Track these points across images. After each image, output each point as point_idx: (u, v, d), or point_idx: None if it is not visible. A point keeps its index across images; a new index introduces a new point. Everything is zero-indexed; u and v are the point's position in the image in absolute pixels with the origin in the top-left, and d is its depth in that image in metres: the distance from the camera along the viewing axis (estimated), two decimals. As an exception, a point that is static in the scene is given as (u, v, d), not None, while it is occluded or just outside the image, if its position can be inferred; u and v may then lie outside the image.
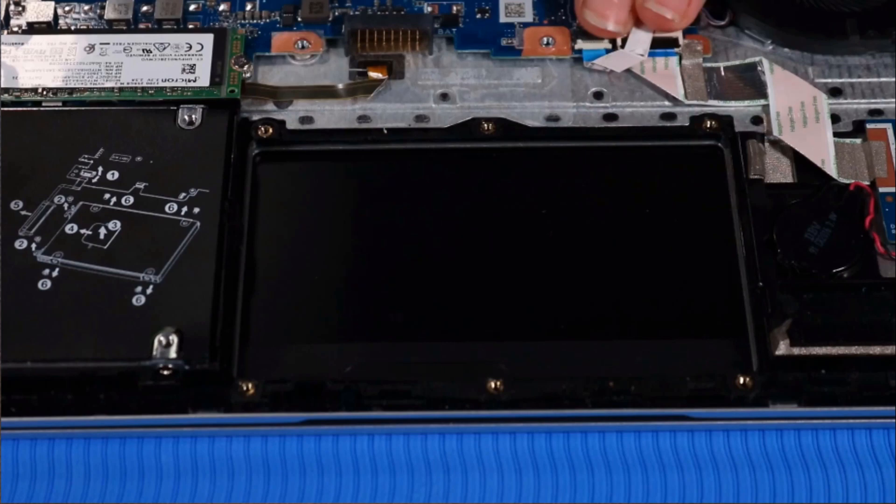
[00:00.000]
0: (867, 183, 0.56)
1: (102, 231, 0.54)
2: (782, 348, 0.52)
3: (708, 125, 0.58)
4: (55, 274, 0.53)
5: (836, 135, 0.58)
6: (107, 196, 0.55)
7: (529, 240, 0.55)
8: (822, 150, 0.57)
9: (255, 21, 0.62)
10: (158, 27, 0.61)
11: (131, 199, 0.55)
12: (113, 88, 0.59)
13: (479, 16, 0.62)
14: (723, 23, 0.62)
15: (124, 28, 0.61)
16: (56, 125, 0.57)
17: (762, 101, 0.59)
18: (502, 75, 0.60)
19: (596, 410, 0.52)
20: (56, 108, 0.58)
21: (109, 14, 0.62)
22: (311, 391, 0.52)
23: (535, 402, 0.52)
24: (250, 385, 0.52)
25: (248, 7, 0.62)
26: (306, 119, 0.59)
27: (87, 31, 0.61)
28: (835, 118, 0.59)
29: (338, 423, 0.52)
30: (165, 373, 0.51)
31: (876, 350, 0.52)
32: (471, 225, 0.56)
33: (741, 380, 0.52)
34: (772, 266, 0.54)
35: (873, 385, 0.52)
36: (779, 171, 0.57)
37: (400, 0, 0.62)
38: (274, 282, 0.55)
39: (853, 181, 0.56)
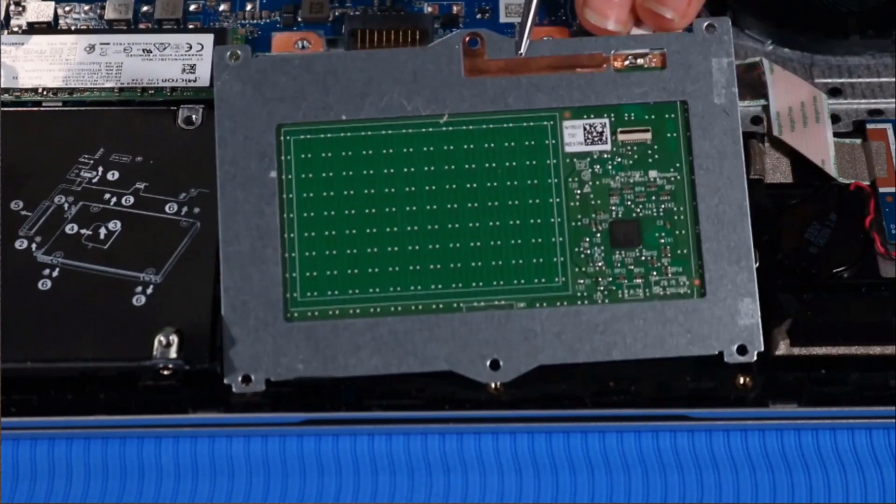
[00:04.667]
0: (867, 183, 0.56)
1: (102, 231, 0.54)
2: (782, 348, 0.52)
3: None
4: (55, 274, 0.53)
5: (836, 135, 0.58)
6: (107, 196, 0.55)
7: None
8: (822, 150, 0.57)
9: (255, 21, 0.62)
10: (158, 27, 0.61)
11: (131, 199, 0.55)
12: (113, 88, 0.59)
13: (479, 16, 0.62)
14: (723, 23, 0.62)
15: (124, 28, 0.61)
16: (56, 125, 0.57)
17: (762, 101, 0.59)
18: (502, 75, 0.60)
19: (596, 410, 0.52)
20: (56, 108, 0.58)
21: (109, 14, 0.62)
22: (311, 391, 0.52)
23: (535, 402, 0.52)
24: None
25: (248, 7, 0.62)
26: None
27: (87, 31, 0.61)
28: (835, 118, 0.59)
29: (338, 423, 0.52)
30: (165, 373, 0.51)
31: (876, 350, 0.52)
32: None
33: (741, 380, 0.52)
34: (772, 266, 0.54)
35: (873, 385, 0.52)
36: (779, 171, 0.57)
37: (400, 0, 0.63)
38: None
39: (853, 181, 0.56)
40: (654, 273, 0.52)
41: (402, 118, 0.54)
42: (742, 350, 0.51)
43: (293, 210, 0.53)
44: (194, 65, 0.59)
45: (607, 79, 0.54)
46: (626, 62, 0.54)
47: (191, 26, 0.61)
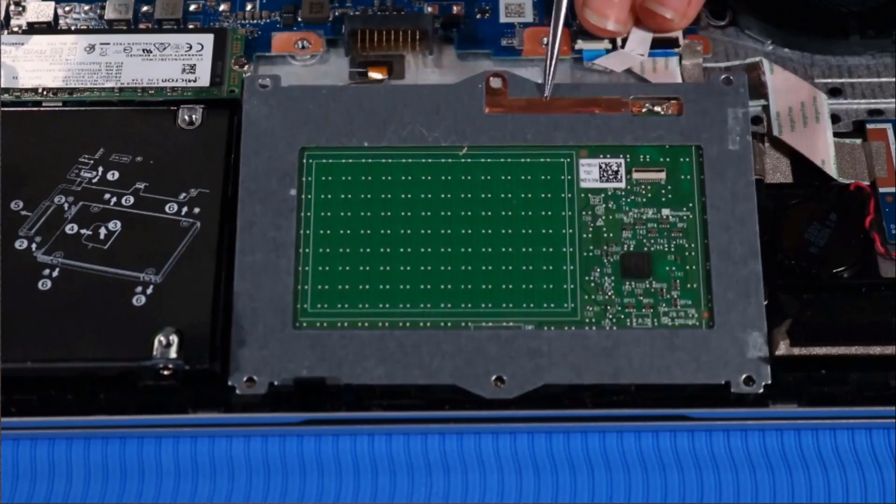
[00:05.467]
0: (867, 183, 0.56)
1: (102, 231, 0.54)
2: (782, 348, 0.52)
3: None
4: (55, 274, 0.53)
5: (836, 135, 0.58)
6: (107, 196, 0.55)
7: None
8: (822, 150, 0.57)
9: (255, 21, 0.62)
10: (158, 27, 0.61)
11: (131, 199, 0.55)
12: (113, 88, 0.59)
13: (479, 16, 0.62)
14: (723, 23, 0.62)
15: (124, 28, 0.61)
16: (56, 125, 0.57)
17: (762, 102, 0.59)
18: (502, 75, 0.60)
19: (596, 410, 0.52)
20: (56, 108, 0.58)
21: (109, 14, 0.62)
22: (311, 391, 0.52)
23: (535, 402, 0.52)
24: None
25: (249, 7, 0.62)
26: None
27: (87, 31, 0.61)
28: (835, 118, 0.59)
29: (338, 423, 0.52)
30: (165, 373, 0.51)
31: (876, 350, 0.52)
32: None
33: (746, 383, 0.52)
34: (772, 266, 0.54)
35: (873, 385, 0.52)
36: (779, 171, 0.57)
37: (400, 0, 0.63)
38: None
39: (853, 181, 0.56)
40: (664, 304, 0.53)
41: (423, 147, 0.55)
42: (749, 381, 0.51)
43: (310, 227, 0.54)
44: (194, 65, 0.59)
45: (624, 121, 0.55)
46: (644, 109, 0.56)
47: (191, 26, 0.61)
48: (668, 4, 0.58)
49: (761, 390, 0.51)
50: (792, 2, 0.61)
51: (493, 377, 0.52)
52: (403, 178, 0.55)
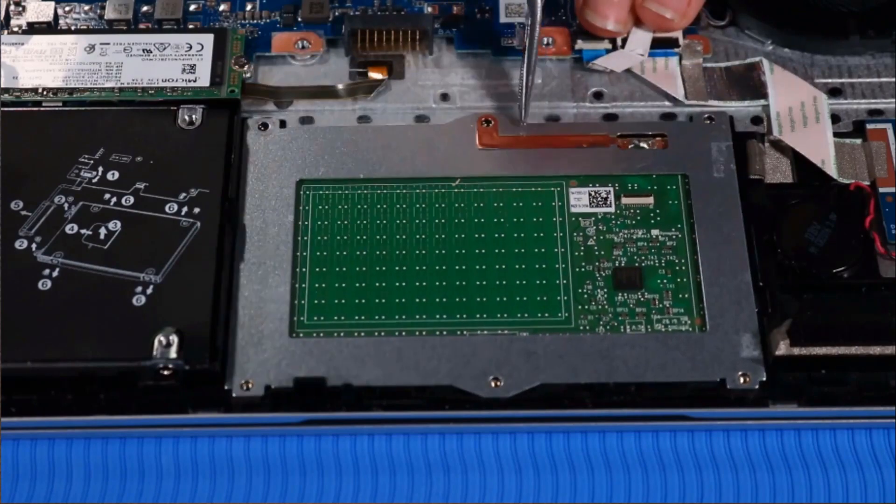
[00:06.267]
0: (867, 183, 0.56)
1: (102, 231, 0.54)
2: (782, 348, 0.52)
3: (708, 126, 0.59)
4: (55, 274, 0.53)
5: (836, 135, 0.58)
6: (107, 196, 0.55)
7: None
8: (822, 150, 0.57)
9: (255, 21, 0.62)
10: (158, 27, 0.61)
11: (131, 199, 0.55)
12: (113, 88, 0.59)
13: (479, 16, 0.62)
14: (723, 23, 0.62)
15: (124, 28, 0.61)
16: (56, 125, 0.57)
17: (762, 101, 0.59)
18: (502, 75, 0.60)
19: (596, 410, 0.52)
20: (56, 108, 0.58)
21: (109, 14, 0.62)
22: (311, 391, 0.52)
23: (535, 402, 0.52)
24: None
25: (249, 7, 0.62)
26: (306, 119, 0.59)
27: (87, 31, 0.61)
28: (835, 118, 0.59)
29: (338, 423, 0.52)
30: (165, 373, 0.51)
31: (876, 350, 0.52)
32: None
33: (741, 380, 0.52)
34: (772, 266, 0.54)
35: (873, 385, 0.52)
36: (779, 171, 0.57)
37: (400, 0, 0.63)
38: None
39: (853, 181, 0.56)
40: (656, 313, 0.53)
41: (417, 179, 0.56)
42: (744, 378, 0.52)
43: (307, 249, 0.55)
44: (194, 65, 0.59)
45: (612, 154, 0.57)
46: (630, 147, 0.57)
47: (191, 26, 0.61)
48: (668, 4, 0.58)
49: (756, 386, 0.51)
50: (792, 2, 0.61)
51: (490, 378, 0.52)
52: (398, 206, 0.56)
